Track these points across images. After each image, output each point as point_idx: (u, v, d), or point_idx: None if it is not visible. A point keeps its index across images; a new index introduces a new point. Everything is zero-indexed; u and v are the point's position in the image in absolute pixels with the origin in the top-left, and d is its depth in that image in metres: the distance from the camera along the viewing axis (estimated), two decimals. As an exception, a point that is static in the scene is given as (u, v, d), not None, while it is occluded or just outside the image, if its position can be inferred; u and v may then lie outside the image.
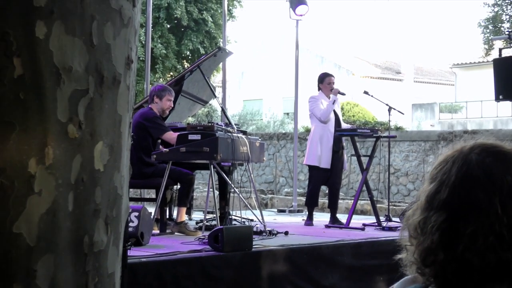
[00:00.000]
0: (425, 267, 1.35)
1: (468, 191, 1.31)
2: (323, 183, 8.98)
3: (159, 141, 7.31)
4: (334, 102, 8.72)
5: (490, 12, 19.36)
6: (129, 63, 1.82)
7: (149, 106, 7.31)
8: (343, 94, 8.86)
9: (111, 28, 1.74)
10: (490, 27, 19.44)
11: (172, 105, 7.40)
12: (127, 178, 1.86)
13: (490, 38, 19.12)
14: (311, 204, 8.92)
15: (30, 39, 1.60)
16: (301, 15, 11.27)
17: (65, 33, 1.64)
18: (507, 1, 18.78)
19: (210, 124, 6.90)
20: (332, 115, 8.75)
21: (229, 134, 6.90)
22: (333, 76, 9.00)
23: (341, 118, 9.11)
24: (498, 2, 18.97)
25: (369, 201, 9.14)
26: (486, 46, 20.00)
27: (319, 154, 8.65)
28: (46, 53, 1.61)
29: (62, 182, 1.64)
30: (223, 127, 7.04)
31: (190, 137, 6.73)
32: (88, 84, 1.68)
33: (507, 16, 19.10)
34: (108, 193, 1.75)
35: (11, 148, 1.57)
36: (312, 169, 8.87)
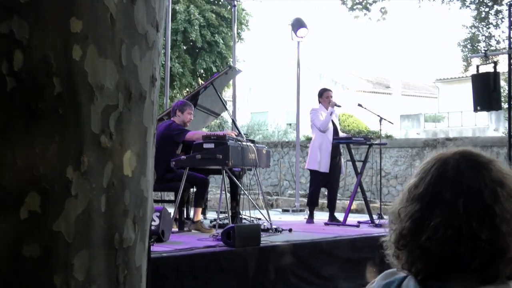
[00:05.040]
0: (399, 250, 1.39)
1: (439, 189, 1.35)
2: (322, 185, 8.96)
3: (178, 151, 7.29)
4: (331, 114, 8.71)
5: (468, 33, 19.31)
6: (153, 81, 1.83)
7: (172, 119, 7.30)
8: (339, 106, 8.86)
9: (138, 50, 1.75)
10: (468, 46, 19.38)
11: (192, 118, 7.40)
12: (151, 182, 1.87)
13: (468, 56, 19.06)
14: (312, 204, 8.91)
15: (67, 61, 1.61)
16: (301, 37, 11.29)
17: (98, 55, 1.65)
18: (483, 24, 18.73)
19: (222, 134, 6.90)
20: (331, 125, 8.75)
21: (239, 142, 6.90)
22: (330, 91, 9.01)
23: (338, 127, 9.10)
24: (475, 24, 18.93)
25: (363, 201, 9.13)
26: (465, 63, 19.94)
27: (318, 159, 8.64)
28: (82, 73, 1.62)
29: (96, 186, 1.65)
30: (234, 136, 7.04)
31: (205, 145, 6.73)
32: (118, 100, 1.70)
33: (483, 37, 19.04)
34: (135, 196, 1.76)
35: (51, 156, 1.59)
36: (313, 173, 8.86)
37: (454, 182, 1.33)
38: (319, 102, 8.90)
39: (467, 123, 30.12)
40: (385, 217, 8.71)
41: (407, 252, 1.36)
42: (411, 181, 1.41)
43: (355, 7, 16.74)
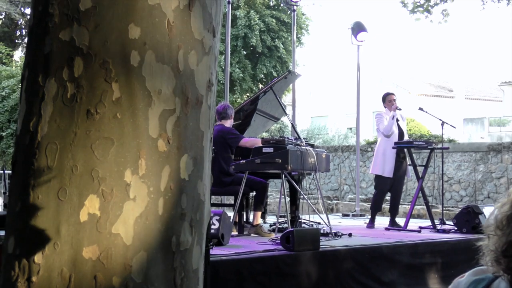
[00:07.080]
0: (504, 257, 1.30)
1: None
2: (387, 190, 8.85)
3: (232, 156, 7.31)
4: (393, 117, 8.60)
5: (535, 35, 18.81)
6: (210, 86, 1.84)
7: (220, 123, 7.26)
8: (399, 109, 8.74)
9: (194, 56, 1.77)
10: (535, 48, 18.88)
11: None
12: (208, 186, 1.88)
13: (535, 58, 18.56)
14: (375, 209, 8.81)
15: (126, 66, 1.64)
16: (361, 41, 11.19)
17: (156, 60, 1.68)
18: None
19: (281, 138, 6.89)
20: (396, 129, 8.63)
21: (298, 147, 6.88)
22: (393, 94, 8.88)
23: (405, 131, 8.96)
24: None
25: (425, 206, 8.96)
26: (532, 65, 19.42)
27: (382, 164, 8.55)
28: (140, 78, 1.65)
29: (153, 189, 1.67)
30: (293, 141, 7.02)
31: (264, 149, 6.73)
32: (175, 104, 1.72)
33: (551, 38, 18.51)
34: (192, 199, 1.78)
35: (110, 160, 1.62)
36: (377, 178, 8.76)
37: None
38: (384, 106, 8.81)
39: (534, 127, 29.23)
40: (447, 223, 8.53)
41: None
42: None
43: (416, 10, 16.49)
